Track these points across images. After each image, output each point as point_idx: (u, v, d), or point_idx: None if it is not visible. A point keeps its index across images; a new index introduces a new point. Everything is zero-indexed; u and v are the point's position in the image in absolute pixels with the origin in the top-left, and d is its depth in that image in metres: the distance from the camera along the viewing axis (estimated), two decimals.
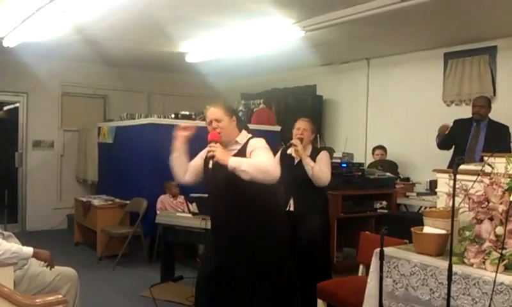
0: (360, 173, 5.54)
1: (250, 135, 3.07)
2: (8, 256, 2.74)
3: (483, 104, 5.25)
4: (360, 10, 4.61)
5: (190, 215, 4.64)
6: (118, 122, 7.19)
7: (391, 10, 4.45)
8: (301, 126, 4.02)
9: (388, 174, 5.91)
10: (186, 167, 3.16)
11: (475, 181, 2.60)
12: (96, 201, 6.49)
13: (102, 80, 8.46)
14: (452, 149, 5.46)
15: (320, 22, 5.06)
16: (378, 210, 5.60)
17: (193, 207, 4.89)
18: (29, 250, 2.89)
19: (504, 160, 2.64)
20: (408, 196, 5.90)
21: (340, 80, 7.68)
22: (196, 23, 5.50)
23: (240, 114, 7.31)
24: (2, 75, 7.58)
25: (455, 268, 2.34)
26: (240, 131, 3.08)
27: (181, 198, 5.86)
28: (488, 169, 2.68)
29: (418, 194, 5.88)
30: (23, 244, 2.98)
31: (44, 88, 7.95)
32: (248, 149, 2.94)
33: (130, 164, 6.50)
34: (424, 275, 2.55)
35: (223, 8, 4.92)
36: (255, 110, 7.47)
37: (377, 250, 2.73)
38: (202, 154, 3.16)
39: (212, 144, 2.86)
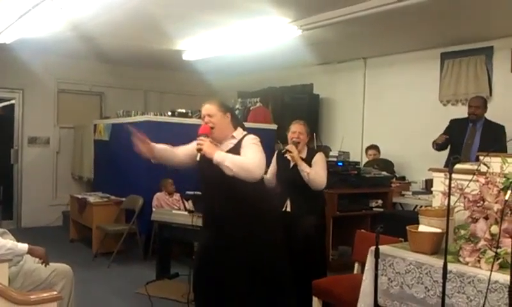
0: (355, 172, 5.55)
1: (246, 132, 3.13)
2: (3, 252, 2.73)
3: (479, 105, 5.27)
4: (357, 10, 4.62)
5: (186, 212, 4.63)
6: (114, 119, 7.18)
7: (388, 10, 4.46)
8: (297, 129, 4.00)
9: (384, 173, 5.92)
10: (173, 153, 3.24)
11: (470, 181, 2.61)
12: (92, 198, 6.48)
13: (98, 77, 8.44)
14: (448, 149, 5.47)
15: (317, 21, 5.06)
16: (374, 209, 5.62)
17: (189, 205, 4.89)
18: (23, 246, 2.88)
19: (499, 159, 2.65)
20: (403, 195, 5.92)
21: (337, 80, 7.69)
22: (193, 21, 5.49)
23: (237, 112, 7.30)
24: None
25: (450, 266, 2.35)
26: (235, 128, 3.13)
27: (177, 196, 5.85)
28: (483, 168, 2.70)
29: (414, 193, 5.90)
30: (18, 241, 2.97)
31: (40, 85, 7.93)
32: (242, 145, 3.01)
33: (126, 161, 6.47)
34: (419, 274, 2.56)
35: (220, 6, 4.91)
36: (251, 108, 7.47)
37: (373, 248, 2.74)
38: (190, 146, 3.19)
39: (201, 138, 2.96)
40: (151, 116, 6.37)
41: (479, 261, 2.40)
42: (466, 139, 5.29)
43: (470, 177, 2.63)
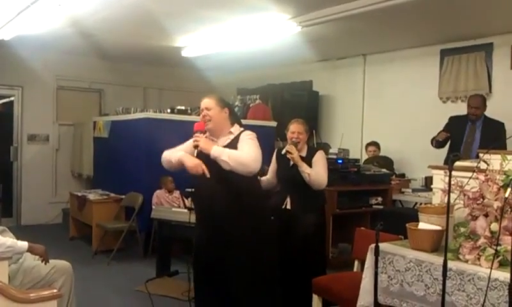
0: (355, 169, 5.55)
1: (243, 129, 3.17)
2: (3, 250, 2.73)
3: (478, 105, 5.25)
4: (356, 6, 4.61)
5: (185, 210, 4.63)
6: (114, 116, 7.17)
7: (387, 6, 4.45)
8: (296, 130, 3.98)
9: (383, 170, 5.92)
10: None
11: (470, 178, 2.61)
12: (92, 196, 6.47)
13: (98, 74, 8.42)
14: (446, 146, 5.47)
15: (316, 17, 5.05)
16: (373, 206, 5.62)
17: (189, 202, 4.89)
18: (23, 244, 2.88)
19: (499, 156, 2.65)
20: (403, 192, 5.92)
21: (337, 76, 7.68)
22: (193, 18, 5.48)
23: (236, 109, 7.30)
24: None
25: (450, 264, 2.35)
26: (232, 125, 3.17)
27: (177, 193, 5.85)
28: (483, 165, 2.69)
29: (414, 190, 5.90)
30: (18, 238, 2.97)
31: (39, 82, 7.91)
32: (239, 140, 3.06)
33: (126, 158, 6.49)
34: (418, 271, 2.56)
35: (219, 3, 4.90)
36: (251, 105, 7.46)
37: (373, 246, 2.74)
38: (188, 143, 3.21)
39: (197, 134, 3.03)
40: (150, 112, 6.36)
41: (478, 258, 2.40)
42: (466, 137, 5.28)
43: (469, 174, 2.63)
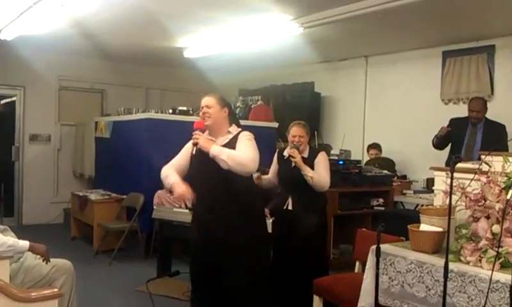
0: (357, 170, 5.54)
1: (240, 129, 3.22)
2: (4, 249, 2.73)
3: (479, 109, 5.24)
4: (358, 7, 4.61)
5: (187, 210, 4.63)
6: (115, 117, 7.18)
7: (390, 8, 4.45)
8: (297, 133, 3.99)
9: (385, 171, 5.92)
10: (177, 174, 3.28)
11: (472, 180, 2.60)
12: (93, 196, 6.48)
13: (100, 75, 8.44)
14: (447, 148, 5.45)
15: (318, 18, 5.05)
16: (375, 207, 5.61)
17: (190, 203, 4.88)
18: (24, 244, 2.88)
19: (501, 158, 2.64)
20: (404, 194, 5.91)
21: (338, 78, 7.68)
22: (195, 19, 5.48)
23: (238, 110, 7.30)
24: None
25: (451, 265, 2.34)
26: (231, 125, 3.22)
27: None
28: (485, 167, 2.69)
29: (415, 191, 5.89)
30: (19, 238, 2.97)
31: (41, 82, 7.92)
32: (237, 140, 3.10)
33: (127, 158, 6.49)
34: (420, 273, 2.55)
35: (221, 3, 4.90)
36: (252, 106, 7.46)
37: (374, 247, 2.73)
38: (184, 150, 3.28)
39: (196, 132, 3.07)
40: (152, 113, 6.36)
41: (480, 260, 2.39)
42: (467, 140, 5.27)
43: (471, 176, 2.63)
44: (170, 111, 6.44)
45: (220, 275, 3.13)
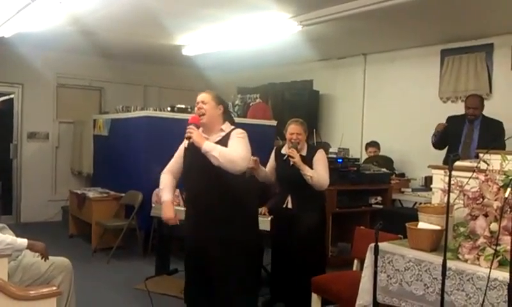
0: (355, 168, 5.54)
1: (234, 127, 3.23)
2: (3, 247, 2.73)
3: (476, 106, 5.25)
4: (357, 5, 4.61)
5: (185, 208, 4.62)
6: (114, 114, 7.17)
7: (388, 6, 4.45)
8: (294, 131, 3.98)
9: (383, 169, 5.92)
10: (174, 180, 3.39)
11: (470, 178, 2.61)
12: (91, 194, 6.47)
13: (98, 72, 8.42)
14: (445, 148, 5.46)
15: (317, 16, 5.05)
16: (373, 206, 5.62)
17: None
18: (23, 241, 2.88)
19: (499, 157, 2.65)
20: (403, 192, 5.92)
21: (337, 76, 7.68)
22: (193, 16, 5.48)
23: (236, 108, 7.30)
24: None
25: (449, 263, 2.35)
26: (224, 122, 3.24)
27: (176, 191, 5.84)
28: (483, 165, 2.69)
29: (413, 189, 5.90)
30: (17, 236, 2.96)
31: (39, 79, 7.91)
32: (230, 138, 3.13)
33: (126, 156, 6.48)
34: (418, 271, 2.56)
35: (220, 1, 4.90)
36: (251, 104, 7.46)
37: (372, 245, 2.74)
38: (179, 151, 3.33)
39: (191, 126, 3.09)
40: (150, 111, 6.35)
41: (478, 258, 2.40)
42: (464, 138, 5.27)
43: (469, 174, 2.64)
44: (169, 109, 6.43)
45: (210, 274, 3.15)
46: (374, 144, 6.70)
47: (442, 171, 3.00)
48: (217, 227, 3.09)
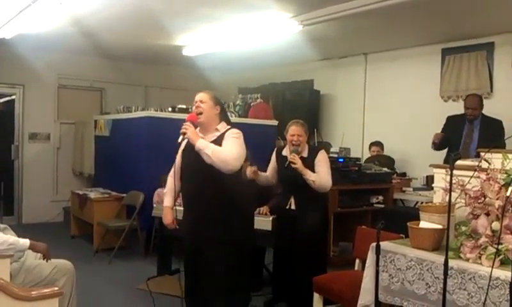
0: (356, 168, 5.54)
1: (229, 127, 3.27)
2: (5, 247, 2.73)
3: (475, 106, 5.25)
4: (357, 5, 4.61)
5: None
6: (115, 115, 7.17)
7: (389, 5, 4.45)
8: (295, 132, 3.96)
9: (384, 169, 5.92)
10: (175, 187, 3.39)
11: (471, 177, 2.61)
12: (93, 194, 6.48)
13: (99, 73, 8.43)
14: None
15: (318, 16, 5.05)
16: (375, 205, 5.62)
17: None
18: (25, 242, 2.88)
19: (500, 155, 2.65)
20: (404, 191, 5.91)
21: (338, 75, 7.68)
22: (194, 17, 5.48)
23: (237, 108, 7.30)
24: None
25: (451, 263, 2.35)
26: (220, 122, 3.27)
27: None
28: (484, 164, 2.69)
29: (415, 189, 5.89)
30: (19, 237, 2.97)
31: (40, 80, 7.91)
32: (225, 137, 3.16)
33: (127, 157, 6.49)
34: (420, 270, 2.56)
35: (220, 1, 4.90)
36: (252, 104, 7.46)
37: (374, 244, 2.74)
38: (179, 153, 3.36)
39: (187, 123, 3.14)
40: (151, 111, 6.36)
41: (480, 257, 2.40)
42: (464, 138, 5.27)
43: (470, 173, 2.63)
44: (169, 109, 6.43)
45: (204, 274, 3.18)
46: (377, 144, 6.69)
47: (444, 170, 3.00)
48: (211, 227, 3.12)
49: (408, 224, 2.78)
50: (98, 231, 6.12)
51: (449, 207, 2.38)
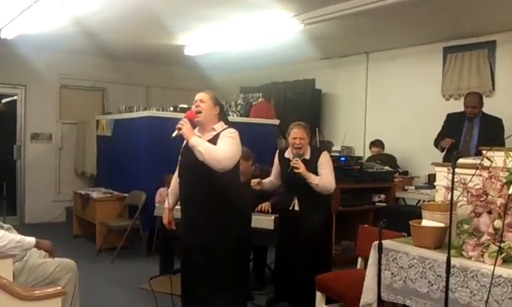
0: (358, 167, 5.54)
1: (226, 126, 3.27)
2: (13, 245, 2.74)
3: (475, 104, 5.24)
4: (359, 3, 4.61)
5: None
6: (117, 115, 7.18)
7: (390, 4, 4.45)
8: (297, 135, 3.95)
9: (386, 167, 5.91)
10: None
11: (473, 175, 2.61)
12: (95, 194, 6.49)
13: (101, 73, 8.44)
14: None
15: (319, 15, 5.05)
16: (377, 204, 5.61)
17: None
18: (31, 239, 2.89)
19: (502, 153, 2.65)
20: (406, 190, 5.90)
21: (339, 74, 7.67)
22: (195, 16, 5.48)
23: (239, 107, 7.31)
24: (0, 68, 7.55)
25: (453, 261, 2.35)
26: (218, 122, 3.28)
27: None
28: (486, 162, 2.69)
29: (417, 187, 5.88)
30: None
31: (42, 80, 7.93)
32: (220, 136, 3.18)
33: (129, 156, 6.50)
34: (422, 268, 2.56)
35: (222, 1, 4.90)
36: (254, 103, 7.46)
37: (376, 243, 2.74)
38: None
39: (184, 119, 3.17)
40: (153, 111, 6.37)
41: (482, 255, 2.40)
42: (464, 136, 5.27)
43: (472, 171, 2.63)
44: (171, 109, 6.44)
45: (200, 273, 3.18)
46: (378, 144, 6.68)
47: (445, 169, 3.00)
48: (206, 226, 3.13)
49: (410, 222, 2.78)
50: (101, 231, 6.13)
51: (451, 205, 2.38)
